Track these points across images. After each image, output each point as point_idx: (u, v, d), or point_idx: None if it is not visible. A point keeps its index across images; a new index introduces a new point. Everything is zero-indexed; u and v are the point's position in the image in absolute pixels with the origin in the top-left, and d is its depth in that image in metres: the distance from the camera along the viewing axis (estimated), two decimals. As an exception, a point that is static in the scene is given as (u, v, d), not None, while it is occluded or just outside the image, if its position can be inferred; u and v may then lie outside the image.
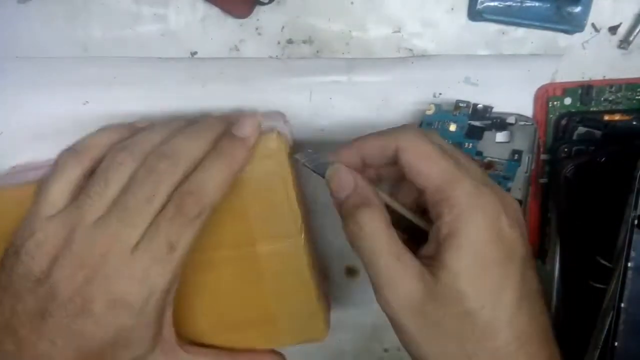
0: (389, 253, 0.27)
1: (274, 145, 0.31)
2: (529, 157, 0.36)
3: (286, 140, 0.32)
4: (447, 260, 0.26)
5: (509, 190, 0.36)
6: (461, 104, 0.35)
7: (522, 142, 0.36)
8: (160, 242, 0.27)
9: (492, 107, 0.35)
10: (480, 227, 0.26)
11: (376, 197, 0.28)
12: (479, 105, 0.35)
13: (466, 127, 0.35)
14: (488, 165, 0.36)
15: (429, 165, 0.27)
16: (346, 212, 0.28)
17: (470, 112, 0.35)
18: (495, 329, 0.26)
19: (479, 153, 0.36)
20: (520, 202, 0.37)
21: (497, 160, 0.36)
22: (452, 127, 0.35)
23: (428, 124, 0.35)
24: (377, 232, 0.27)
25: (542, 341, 0.27)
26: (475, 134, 0.35)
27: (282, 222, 0.32)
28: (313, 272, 0.33)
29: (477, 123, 0.35)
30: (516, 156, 0.36)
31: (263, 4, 0.34)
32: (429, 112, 0.35)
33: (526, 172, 0.37)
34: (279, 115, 0.36)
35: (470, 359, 0.26)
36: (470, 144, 0.35)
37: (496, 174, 0.36)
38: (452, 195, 0.26)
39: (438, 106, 0.35)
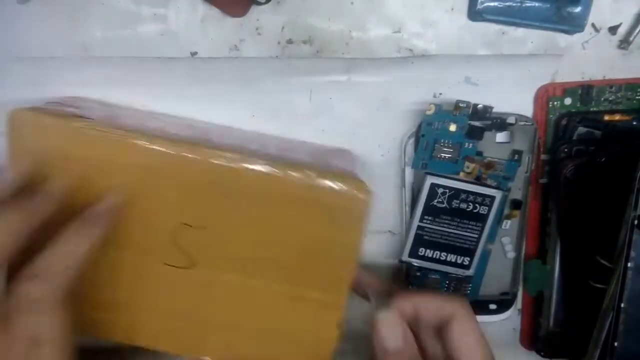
0: None
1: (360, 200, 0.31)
2: (529, 157, 0.36)
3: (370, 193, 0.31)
4: None
5: (508, 190, 0.36)
6: (461, 104, 0.35)
7: (522, 142, 0.36)
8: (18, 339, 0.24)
9: (492, 107, 0.35)
10: None
11: None
12: (479, 106, 0.35)
13: (466, 127, 0.35)
14: (488, 166, 0.36)
15: (477, 347, 0.28)
16: None
17: (470, 112, 0.35)
18: None
19: (479, 153, 0.35)
20: (520, 202, 0.37)
21: (497, 160, 0.36)
22: (452, 127, 0.35)
23: (428, 124, 0.35)
24: None
25: None
26: (475, 134, 0.35)
27: (332, 279, 0.32)
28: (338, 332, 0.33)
29: (477, 123, 0.35)
30: (516, 156, 0.36)
31: (260, 3, 0.34)
32: (429, 112, 0.35)
33: (526, 172, 0.37)
34: (348, 154, 0.36)
35: None
36: (471, 144, 0.35)
37: (496, 174, 0.36)
38: None
39: (438, 106, 0.35)
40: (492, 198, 0.36)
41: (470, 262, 0.37)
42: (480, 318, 0.39)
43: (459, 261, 0.37)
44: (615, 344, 0.33)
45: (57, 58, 0.35)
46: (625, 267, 0.33)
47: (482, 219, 0.36)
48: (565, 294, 0.38)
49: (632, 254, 0.33)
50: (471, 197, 0.36)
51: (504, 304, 0.39)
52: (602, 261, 0.34)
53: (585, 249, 0.35)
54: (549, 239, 0.38)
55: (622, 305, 0.33)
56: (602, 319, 0.34)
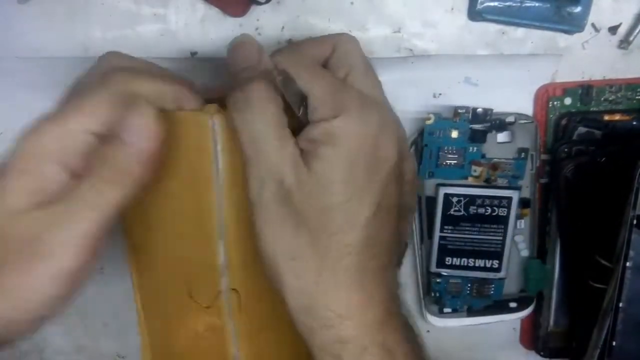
0: (272, 134, 0.26)
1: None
2: (533, 154, 0.36)
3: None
4: (324, 153, 0.26)
5: (519, 189, 0.36)
6: (460, 110, 0.35)
7: (524, 140, 0.36)
8: None
9: (491, 110, 0.35)
10: (361, 134, 0.26)
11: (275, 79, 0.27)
12: (479, 109, 0.35)
13: (468, 132, 0.35)
14: (495, 167, 0.36)
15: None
16: (238, 83, 0.27)
17: (470, 117, 0.35)
18: (351, 227, 0.26)
19: (484, 155, 0.35)
20: (528, 200, 0.37)
21: (503, 160, 0.36)
22: (454, 134, 0.35)
23: (429, 133, 0.35)
24: (264, 106, 0.26)
25: (389, 251, 0.28)
26: (478, 137, 0.35)
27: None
28: None
29: (478, 126, 0.35)
30: (522, 154, 0.36)
31: (260, 3, 0.34)
32: (429, 122, 0.35)
33: (532, 170, 0.36)
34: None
35: (320, 253, 0.26)
36: (475, 148, 0.35)
37: (504, 174, 0.36)
38: (342, 98, 0.27)
39: (437, 115, 0.35)
40: (509, 199, 0.35)
41: (500, 264, 0.37)
42: (503, 317, 0.38)
43: (488, 265, 0.37)
44: (614, 343, 0.33)
45: (57, 58, 0.35)
46: (624, 266, 0.33)
47: (502, 220, 0.36)
48: (565, 294, 0.38)
49: (631, 253, 0.33)
50: (487, 201, 0.36)
51: (524, 301, 0.39)
52: (602, 261, 0.34)
53: (585, 249, 0.35)
54: (549, 239, 0.38)
55: (621, 305, 0.33)
56: (602, 319, 0.34)
